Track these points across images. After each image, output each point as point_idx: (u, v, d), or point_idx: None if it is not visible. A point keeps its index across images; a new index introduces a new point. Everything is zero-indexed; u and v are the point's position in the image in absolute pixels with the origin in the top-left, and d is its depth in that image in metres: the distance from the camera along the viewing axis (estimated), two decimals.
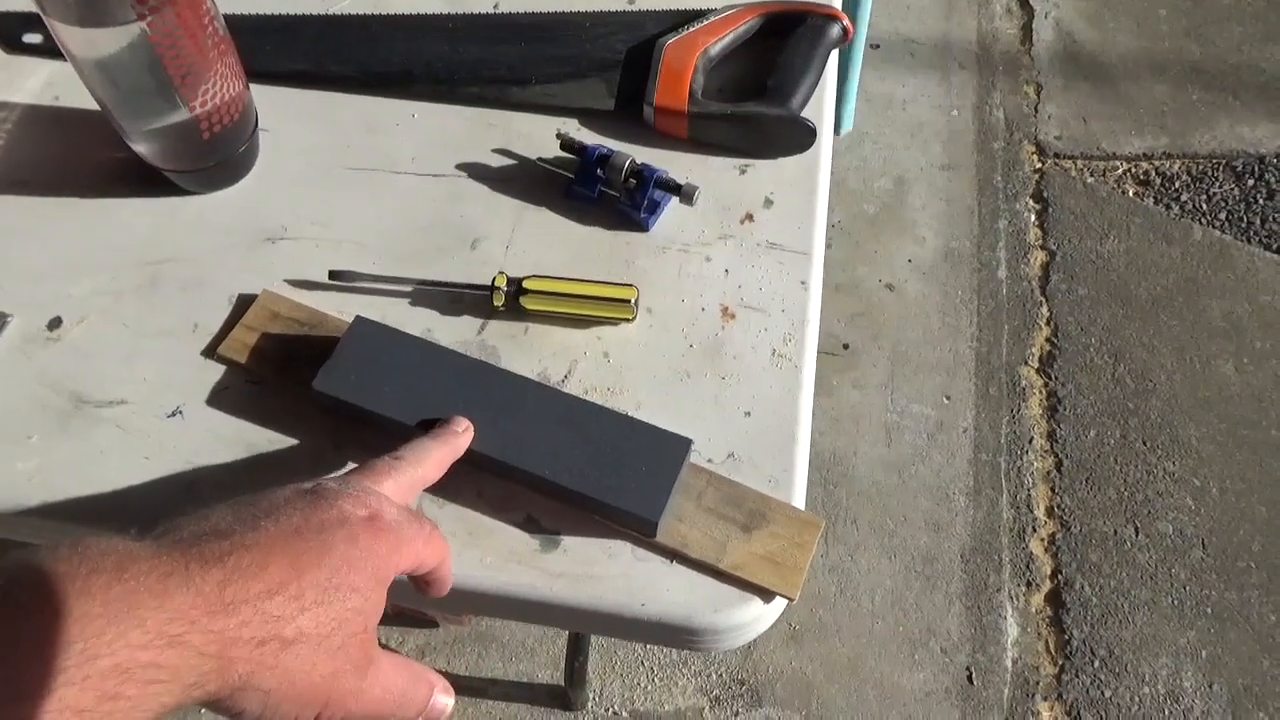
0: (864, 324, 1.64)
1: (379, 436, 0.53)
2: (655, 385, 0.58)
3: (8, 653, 0.31)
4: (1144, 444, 1.52)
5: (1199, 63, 1.95)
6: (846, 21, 0.70)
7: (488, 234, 0.64)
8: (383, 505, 0.43)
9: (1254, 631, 1.37)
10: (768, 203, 0.65)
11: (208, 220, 0.64)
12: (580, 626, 0.57)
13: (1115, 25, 2.01)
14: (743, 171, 0.67)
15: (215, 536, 0.38)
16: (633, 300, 0.59)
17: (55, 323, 0.60)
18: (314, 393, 0.54)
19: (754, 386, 0.58)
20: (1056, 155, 1.84)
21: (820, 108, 0.69)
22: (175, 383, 0.57)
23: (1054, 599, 1.41)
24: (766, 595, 0.51)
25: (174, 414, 0.56)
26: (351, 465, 0.54)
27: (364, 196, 0.66)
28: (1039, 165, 1.83)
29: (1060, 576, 1.42)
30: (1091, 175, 1.81)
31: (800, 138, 0.66)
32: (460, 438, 0.51)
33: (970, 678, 1.35)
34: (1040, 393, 1.58)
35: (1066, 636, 1.38)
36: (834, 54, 0.72)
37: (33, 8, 0.53)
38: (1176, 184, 1.79)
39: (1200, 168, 1.81)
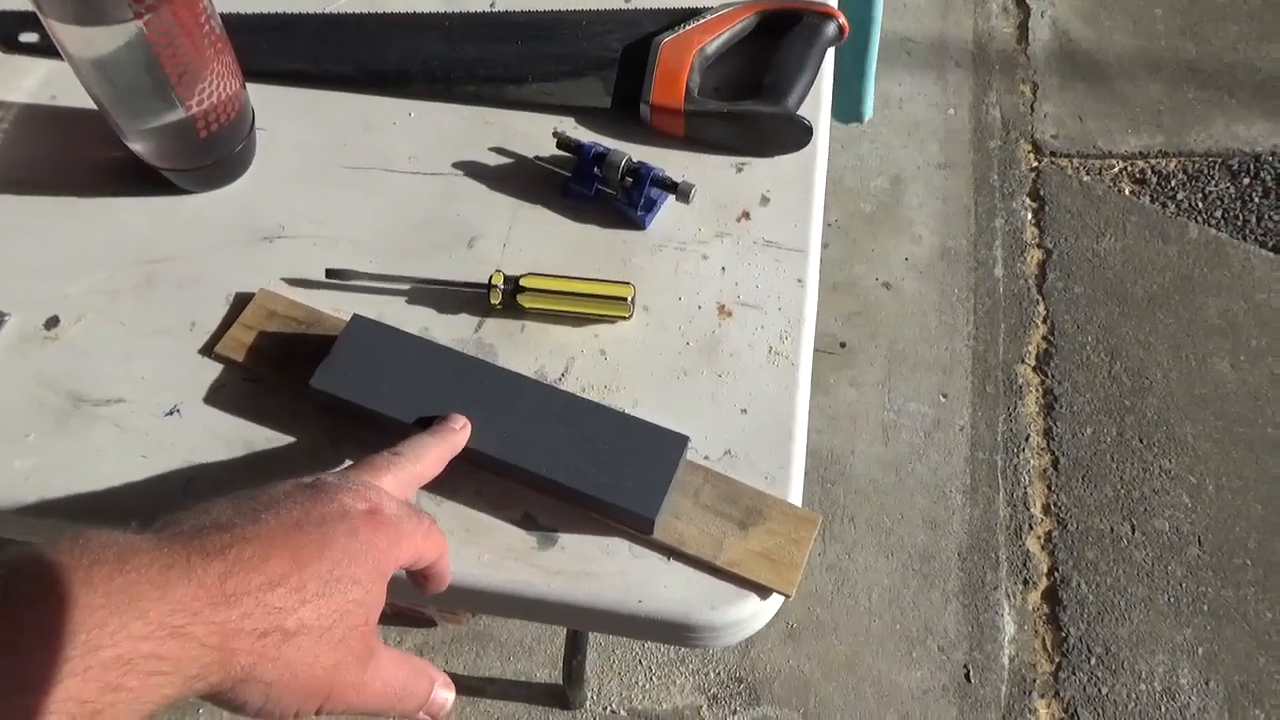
0: (861, 322, 1.64)
1: (376, 434, 0.53)
2: (652, 383, 0.58)
3: (11, 644, 0.32)
4: (1140, 441, 1.52)
5: (1195, 61, 1.95)
6: (842, 19, 0.71)
7: (485, 232, 0.64)
8: (382, 499, 0.43)
9: (1250, 628, 1.37)
10: (764, 201, 0.65)
11: (205, 219, 0.64)
12: (578, 624, 0.58)
13: (1111, 24, 2.01)
14: (739, 170, 0.67)
15: (216, 529, 0.38)
16: (629, 298, 0.59)
17: (53, 321, 0.60)
18: (311, 391, 0.54)
19: (751, 384, 0.58)
20: (1053, 154, 1.84)
21: (816, 106, 0.69)
22: (172, 381, 0.58)
23: (1051, 596, 1.41)
24: (763, 592, 0.51)
25: (171, 412, 0.56)
26: (348, 463, 0.54)
27: (361, 195, 0.66)
28: (1035, 164, 1.83)
29: (1057, 574, 1.42)
30: (1088, 174, 1.81)
31: (796, 136, 0.67)
32: (458, 435, 0.51)
33: (968, 675, 1.35)
34: (1037, 391, 1.58)
35: (1063, 634, 1.38)
36: (830, 51, 0.72)
37: (29, 6, 0.53)
38: (1172, 182, 1.79)
39: (1196, 166, 1.81)
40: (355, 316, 0.57)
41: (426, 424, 0.52)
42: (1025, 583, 1.42)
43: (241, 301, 0.60)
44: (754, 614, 0.52)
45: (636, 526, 0.52)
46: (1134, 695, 1.33)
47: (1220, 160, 1.82)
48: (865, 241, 1.73)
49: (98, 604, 0.33)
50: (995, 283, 1.69)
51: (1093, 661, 1.36)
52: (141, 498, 0.54)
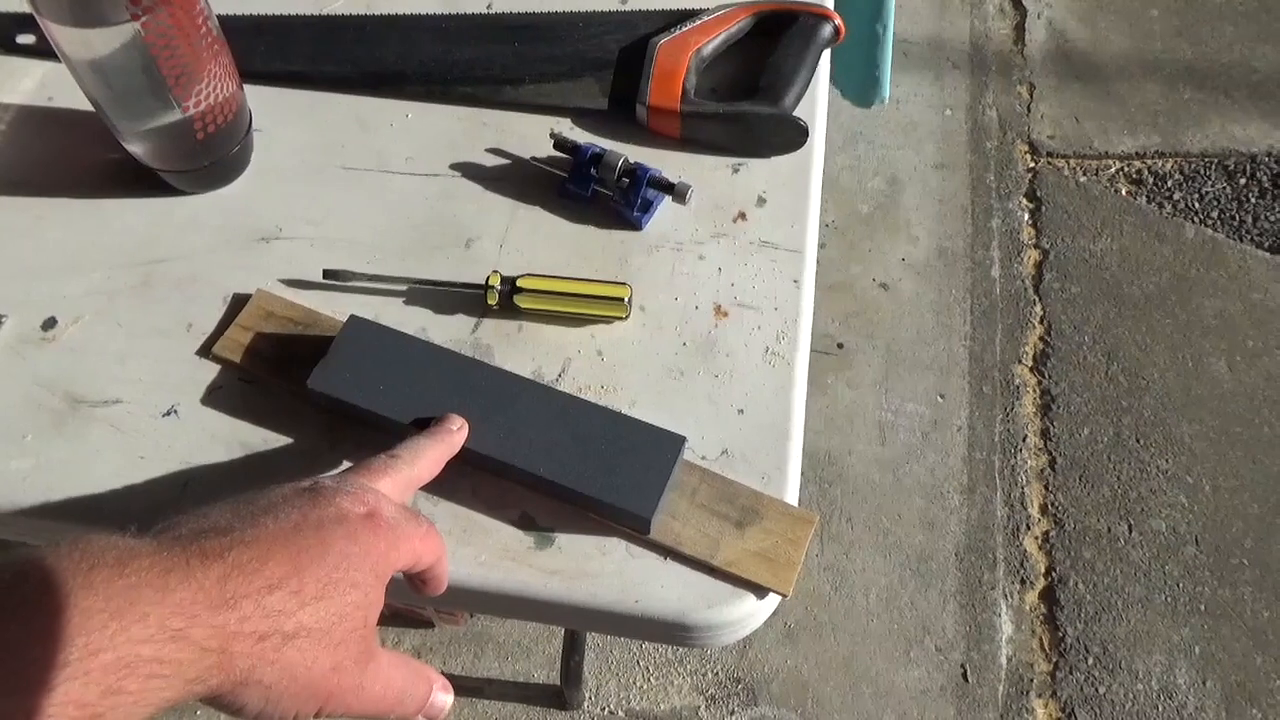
0: (858, 323, 1.64)
1: (374, 435, 0.54)
2: (649, 383, 0.58)
3: (11, 647, 0.32)
4: (1137, 441, 1.52)
5: (1191, 62, 1.96)
6: (838, 20, 0.71)
7: (482, 233, 0.64)
8: (380, 502, 0.43)
9: (1247, 628, 1.37)
10: (760, 201, 0.66)
11: (202, 220, 0.64)
12: (575, 624, 0.58)
13: (1107, 25, 2.02)
14: (735, 170, 0.67)
15: (215, 533, 0.38)
16: (626, 299, 0.59)
17: (50, 323, 0.60)
18: (309, 392, 0.54)
19: (747, 384, 0.58)
20: (1049, 154, 1.84)
21: (813, 107, 0.69)
22: (170, 382, 0.58)
23: (1048, 596, 1.41)
24: (760, 591, 0.51)
25: (169, 413, 0.56)
26: (346, 464, 0.54)
27: (358, 196, 0.66)
28: (1032, 164, 1.83)
29: (1054, 574, 1.42)
30: (1084, 174, 1.81)
31: (792, 137, 0.67)
32: (455, 436, 0.51)
33: (965, 675, 1.35)
34: (1034, 391, 1.58)
35: (1061, 634, 1.38)
36: (826, 52, 0.72)
37: (26, 8, 0.53)
38: (1169, 183, 1.79)
39: (1192, 166, 1.81)
40: (352, 317, 0.57)
41: (424, 424, 0.52)
42: (1023, 583, 1.42)
43: (239, 302, 0.60)
44: (751, 613, 0.52)
45: (633, 526, 0.52)
46: (1131, 695, 1.33)
47: (1216, 161, 1.82)
48: (862, 242, 1.73)
49: (97, 607, 0.33)
50: (992, 283, 1.69)
51: (1090, 661, 1.36)
52: (139, 499, 0.54)
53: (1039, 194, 1.79)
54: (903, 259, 1.71)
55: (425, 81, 0.71)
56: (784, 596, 0.51)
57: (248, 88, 0.65)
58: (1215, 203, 1.77)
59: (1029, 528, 1.47)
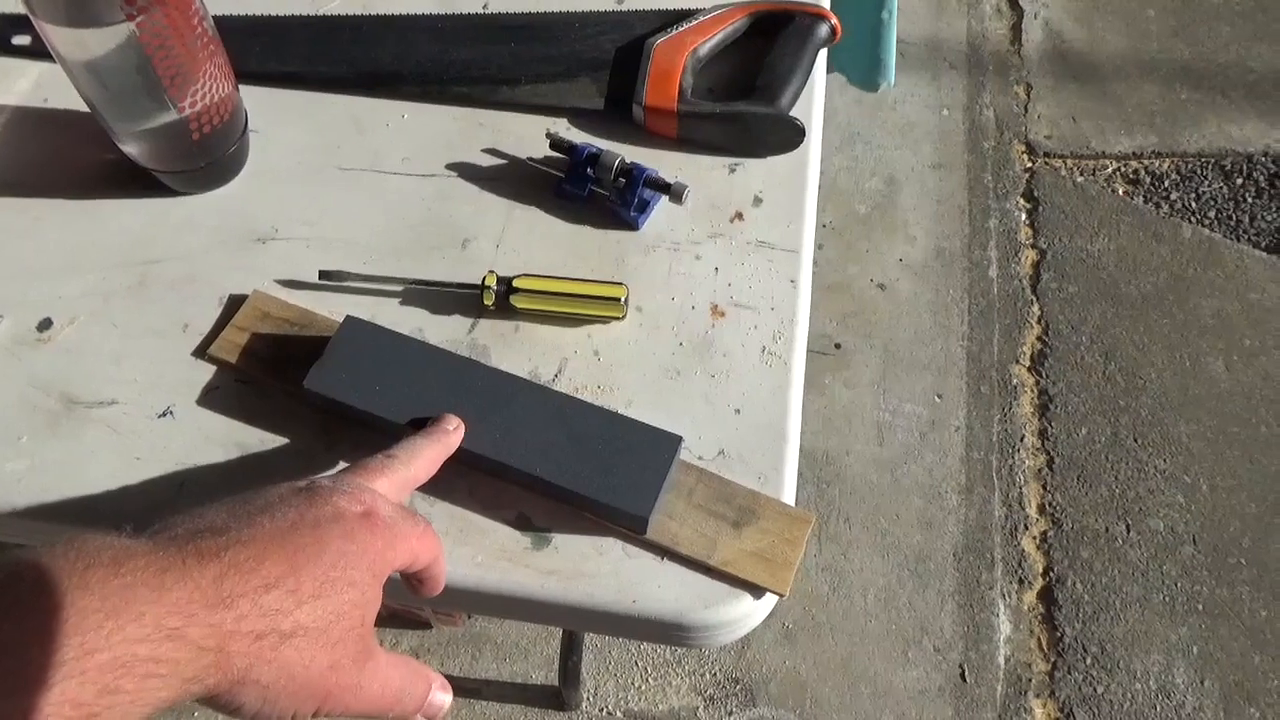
0: (856, 323, 1.64)
1: (370, 435, 0.53)
2: (645, 383, 0.58)
3: (7, 647, 0.32)
4: (1135, 441, 1.52)
5: (1188, 62, 1.96)
6: (835, 20, 0.71)
7: (478, 233, 0.64)
8: (377, 502, 0.43)
9: (1245, 627, 1.38)
10: (757, 201, 0.66)
11: (198, 221, 0.64)
12: (572, 624, 0.58)
13: (1104, 25, 2.02)
14: (732, 170, 0.67)
15: (211, 533, 0.38)
16: (623, 299, 0.59)
17: (45, 324, 0.60)
18: (305, 392, 0.54)
19: (744, 384, 0.58)
20: (1046, 154, 1.84)
21: (809, 106, 0.69)
22: (166, 383, 0.58)
23: (1046, 596, 1.41)
24: (757, 591, 0.51)
25: (164, 414, 0.56)
26: (343, 464, 0.54)
27: (354, 196, 0.66)
28: (1029, 164, 1.83)
29: (1052, 574, 1.42)
30: (1081, 174, 1.81)
31: (789, 136, 0.67)
32: (451, 436, 0.51)
33: (963, 675, 1.35)
34: (1031, 391, 1.58)
35: (1059, 633, 1.38)
36: (823, 52, 0.72)
37: (21, 9, 0.53)
38: (1166, 183, 1.80)
39: (1189, 166, 1.82)
40: (348, 318, 0.57)
41: (420, 425, 0.52)
42: (1020, 582, 1.42)
43: (235, 303, 0.60)
44: (748, 613, 0.52)
45: (630, 526, 0.52)
46: (1129, 694, 1.33)
47: (1213, 160, 1.82)
48: (860, 242, 1.73)
49: (93, 607, 0.33)
50: (990, 283, 1.69)
51: (1088, 661, 1.36)
52: (135, 500, 0.54)
53: (1036, 194, 1.79)
54: (900, 259, 1.71)
55: (421, 82, 0.71)
56: (781, 596, 0.51)
57: (243, 88, 0.65)
58: (1212, 202, 1.77)
59: (1027, 528, 1.47)
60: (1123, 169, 1.82)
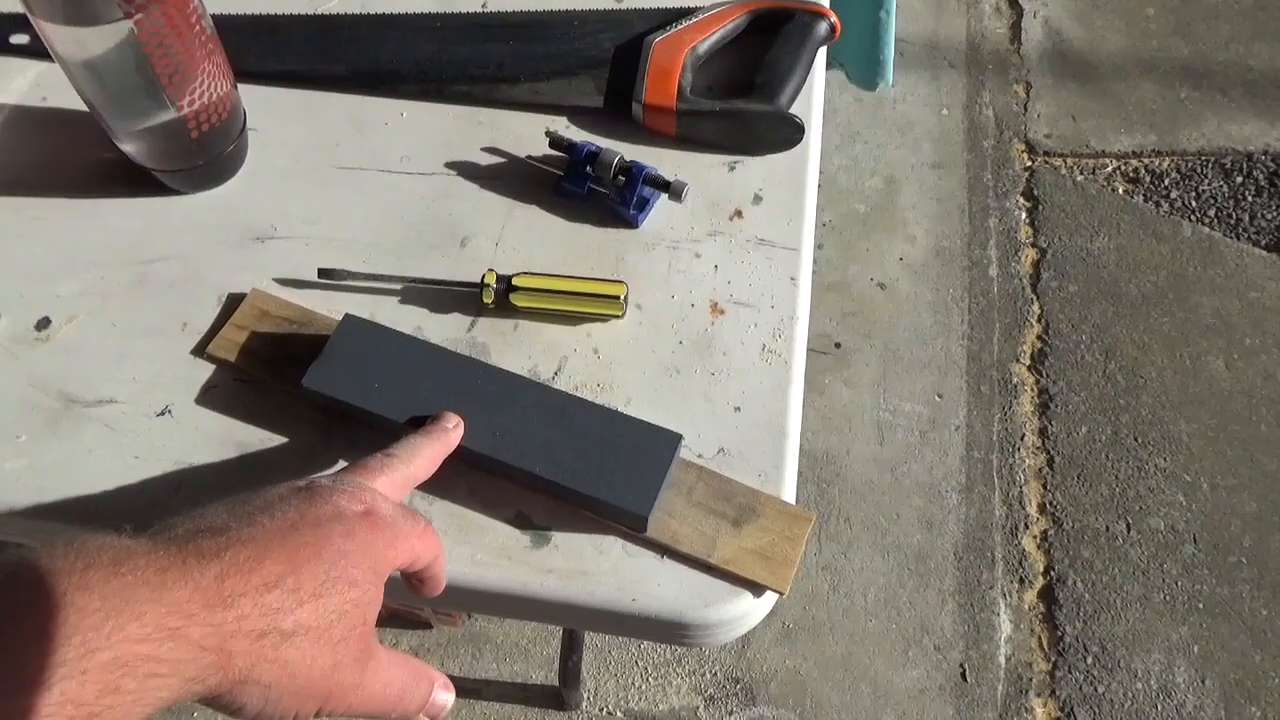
0: (856, 323, 1.64)
1: (369, 434, 0.53)
2: (645, 381, 0.58)
3: (7, 647, 0.31)
4: (1135, 440, 1.52)
5: (1187, 61, 1.96)
6: (834, 18, 0.71)
7: (477, 231, 0.64)
8: (377, 501, 0.43)
9: (1245, 626, 1.37)
10: (757, 199, 0.65)
11: (196, 220, 0.64)
12: (572, 622, 0.58)
13: (1103, 24, 2.02)
14: (731, 168, 0.67)
15: (211, 532, 0.38)
16: (622, 297, 0.59)
17: (44, 323, 0.60)
18: (304, 391, 0.54)
19: (744, 382, 0.58)
20: (1046, 153, 1.84)
21: (808, 104, 0.69)
22: (164, 382, 0.57)
23: (1047, 595, 1.41)
24: (757, 589, 0.51)
25: (163, 413, 0.56)
26: (342, 463, 0.54)
27: (353, 195, 0.66)
28: (1029, 163, 1.83)
29: (1053, 573, 1.42)
30: (1081, 173, 1.81)
31: (788, 134, 0.67)
32: (451, 434, 0.51)
33: (964, 675, 1.35)
34: (1032, 390, 1.58)
35: (1059, 633, 1.38)
36: (822, 50, 0.72)
37: (19, 8, 0.53)
38: (1166, 181, 1.80)
39: (1189, 165, 1.82)
40: (347, 316, 0.57)
41: (419, 423, 0.52)
42: (1021, 582, 1.42)
43: (233, 302, 0.60)
44: (748, 612, 0.51)
45: (630, 525, 0.52)
46: (1130, 694, 1.33)
47: (1213, 159, 1.82)
48: (859, 241, 1.73)
49: (93, 607, 0.33)
50: (990, 282, 1.69)
51: (1089, 660, 1.36)
52: (134, 499, 0.53)
53: (1036, 193, 1.79)
54: (900, 258, 1.71)
55: (420, 80, 0.71)
56: (781, 594, 0.51)
57: (242, 87, 0.65)
58: (1212, 201, 1.77)
59: (1027, 527, 1.46)
60: (1123, 168, 1.82)
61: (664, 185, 0.63)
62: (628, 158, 0.64)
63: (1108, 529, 1.45)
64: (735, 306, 0.61)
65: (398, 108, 0.70)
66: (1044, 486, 1.50)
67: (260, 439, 0.55)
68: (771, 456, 0.55)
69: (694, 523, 0.52)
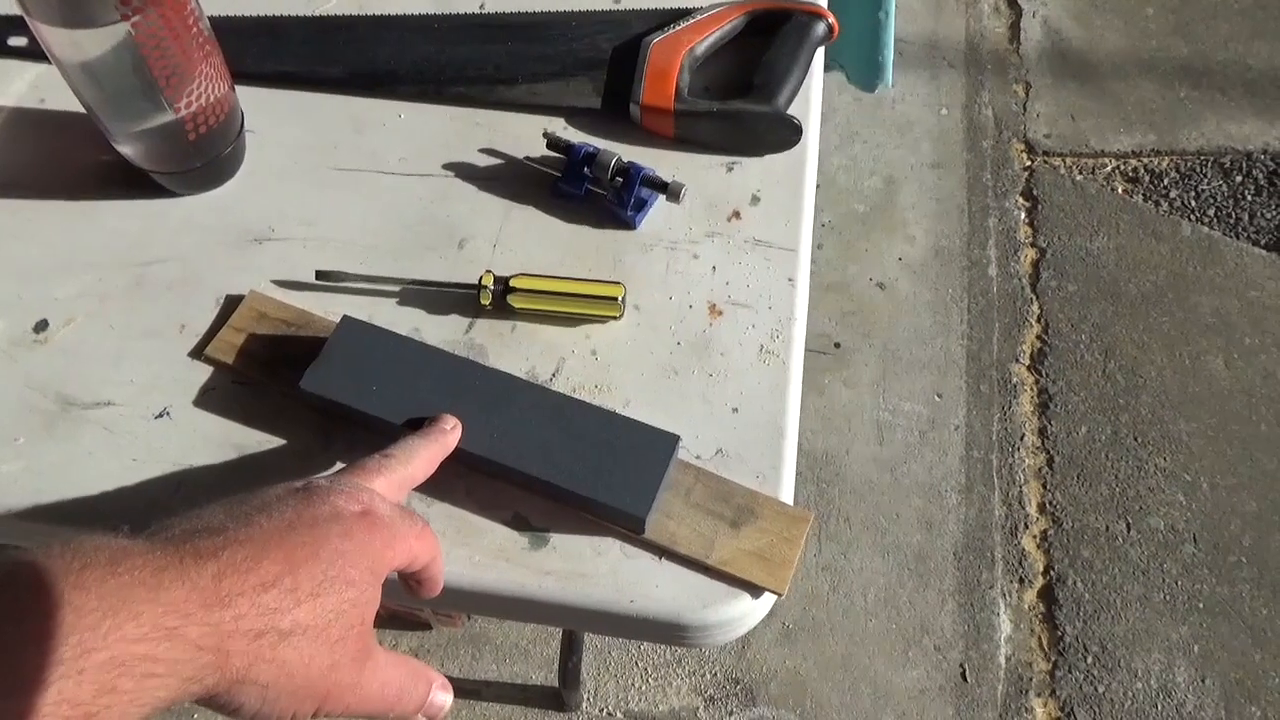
0: (855, 323, 1.64)
1: (367, 436, 0.53)
2: (643, 382, 0.58)
3: (4, 647, 0.31)
4: (1135, 440, 1.52)
5: (1186, 60, 1.96)
6: (832, 19, 0.71)
7: (475, 233, 0.64)
8: (375, 501, 0.43)
9: (1246, 625, 1.37)
10: (754, 200, 0.65)
11: (194, 221, 0.64)
12: (570, 624, 0.58)
13: (1103, 23, 2.02)
14: (729, 169, 0.67)
15: (208, 533, 0.38)
16: (620, 298, 0.59)
17: (42, 325, 0.60)
18: (301, 392, 0.54)
19: (742, 383, 0.58)
20: (1045, 153, 1.84)
21: (806, 105, 0.69)
22: (162, 384, 0.57)
23: (1046, 595, 1.41)
24: (755, 590, 0.51)
25: (161, 415, 0.56)
26: (340, 465, 0.54)
27: (351, 197, 0.66)
28: (1028, 163, 1.83)
29: (1053, 573, 1.42)
30: (1080, 173, 1.81)
31: (786, 135, 0.67)
32: (448, 436, 0.51)
33: (964, 675, 1.35)
34: (1031, 390, 1.58)
35: (1059, 632, 1.38)
36: (820, 50, 0.72)
37: (16, 10, 0.53)
38: (1165, 181, 1.79)
39: (1188, 164, 1.81)
40: (345, 318, 0.57)
41: (417, 425, 0.52)
42: (1021, 581, 1.42)
43: (231, 304, 0.60)
44: (746, 613, 0.51)
45: (628, 526, 0.52)
46: (1130, 693, 1.33)
47: (1212, 158, 1.82)
48: (859, 241, 1.73)
49: (90, 606, 0.33)
50: (989, 282, 1.69)
51: (1089, 660, 1.36)
52: (131, 501, 0.53)
53: (1035, 193, 1.79)
54: (899, 258, 1.71)
55: (418, 82, 0.71)
56: (779, 595, 0.51)
57: (240, 88, 0.65)
58: (1211, 200, 1.77)
59: (1027, 526, 1.46)
60: (1122, 167, 1.82)
61: (662, 186, 0.63)
62: (625, 159, 0.63)
63: (1107, 528, 1.45)
64: (733, 307, 0.61)
65: (395, 109, 0.70)
66: (1044, 486, 1.49)
67: (258, 441, 0.55)
68: (769, 457, 0.55)
69: (692, 524, 0.52)
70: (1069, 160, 1.83)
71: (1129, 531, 1.45)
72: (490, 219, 0.65)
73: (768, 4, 0.71)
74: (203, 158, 0.63)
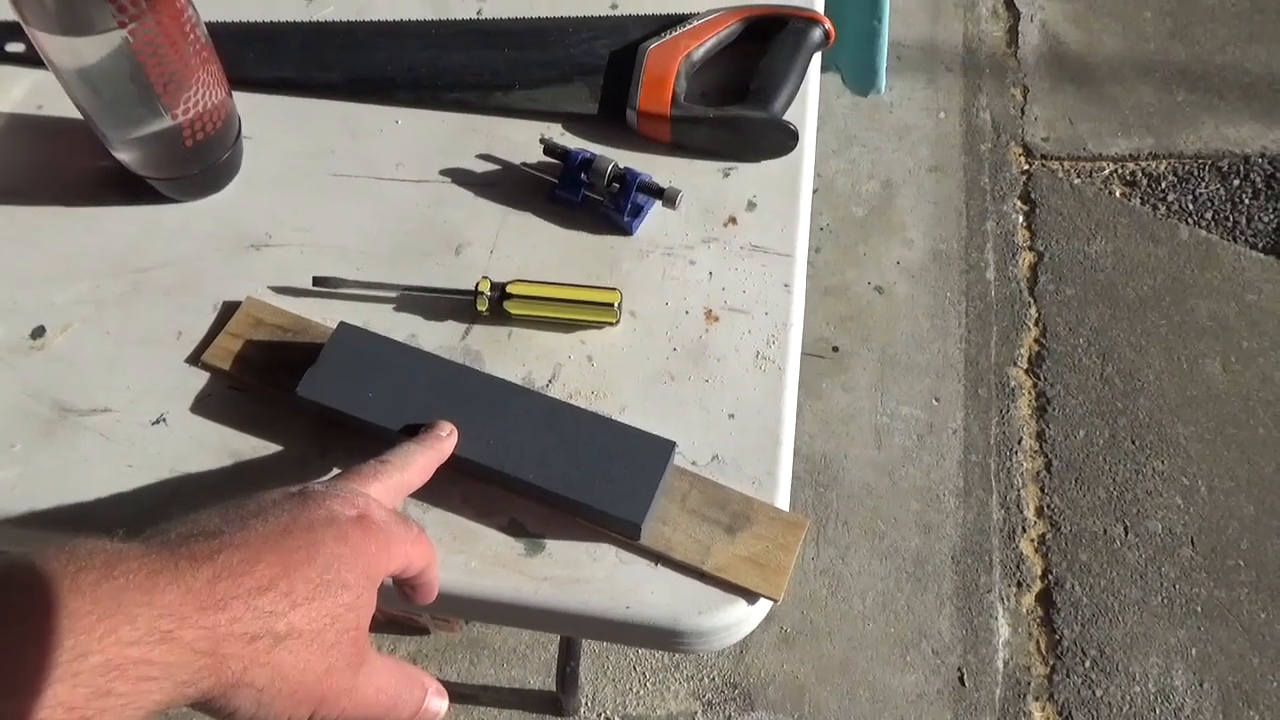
0: (853, 326, 1.64)
1: (363, 442, 0.53)
2: (639, 388, 0.58)
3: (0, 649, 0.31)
4: (1133, 443, 1.52)
5: (1184, 64, 1.96)
6: (828, 25, 0.71)
7: (471, 239, 0.64)
8: (370, 506, 0.43)
9: (1243, 629, 1.37)
10: (751, 206, 0.66)
11: (191, 228, 0.64)
12: (566, 630, 0.58)
13: (1100, 27, 2.02)
14: (726, 175, 0.67)
15: (204, 536, 0.38)
16: (616, 304, 0.59)
17: (38, 331, 0.60)
18: (298, 399, 0.54)
19: (738, 389, 0.58)
20: (1043, 157, 1.84)
21: (803, 110, 0.69)
22: (159, 390, 0.57)
23: (1045, 599, 1.41)
24: (751, 597, 0.51)
25: (158, 422, 0.56)
26: (336, 471, 0.54)
27: (348, 203, 0.66)
28: (1026, 167, 1.83)
29: (1051, 576, 1.42)
30: (1078, 176, 1.81)
31: (782, 141, 0.67)
32: (444, 442, 0.51)
33: (962, 679, 1.35)
34: (1029, 393, 1.58)
35: (1057, 636, 1.38)
36: (816, 56, 0.72)
37: (14, 17, 0.53)
38: (1163, 184, 1.80)
39: (1186, 168, 1.82)
40: (342, 324, 0.57)
41: (413, 431, 0.52)
42: (1019, 585, 1.42)
43: (228, 310, 0.60)
44: (742, 619, 0.51)
45: (624, 532, 0.52)
46: (1128, 697, 1.33)
47: (1210, 162, 1.82)
48: (857, 245, 1.73)
49: (85, 610, 0.33)
50: (987, 286, 1.69)
51: (1087, 664, 1.36)
52: (128, 507, 0.53)
53: (1033, 196, 1.79)
54: (897, 262, 1.71)
55: (415, 88, 0.71)
56: (775, 602, 0.51)
57: (237, 95, 0.65)
58: (1209, 204, 1.77)
59: (1025, 530, 1.46)
60: (1120, 171, 1.82)
61: (658, 192, 0.63)
62: (622, 164, 0.64)
63: (1105, 532, 1.45)
64: (729, 313, 0.61)
65: (392, 115, 0.70)
66: (1042, 490, 1.50)
67: (255, 447, 0.56)
68: (766, 463, 0.55)
69: (688, 530, 0.52)
70: (1067, 164, 1.83)
71: (1127, 535, 1.45)
72: (487, 225, 0.65)
73: (764, 10, 0.71)
74: (200, 164, 0.63)
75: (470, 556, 0.52)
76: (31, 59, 0.70)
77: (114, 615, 0.33)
